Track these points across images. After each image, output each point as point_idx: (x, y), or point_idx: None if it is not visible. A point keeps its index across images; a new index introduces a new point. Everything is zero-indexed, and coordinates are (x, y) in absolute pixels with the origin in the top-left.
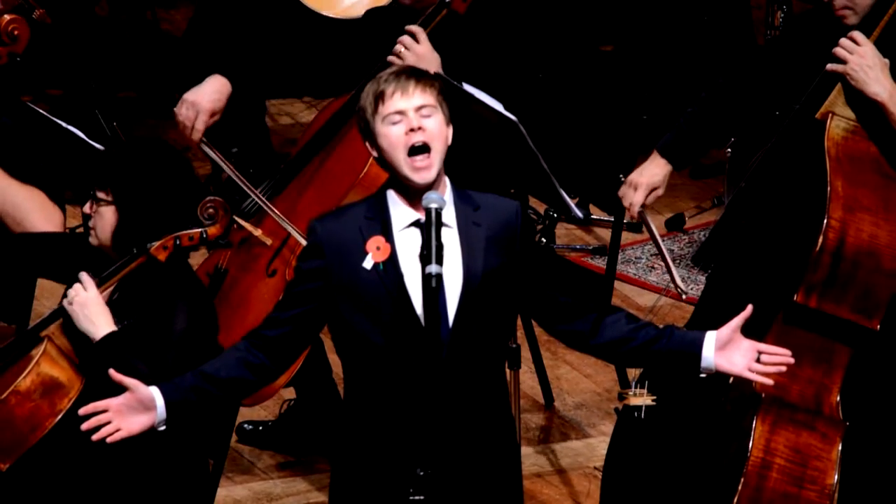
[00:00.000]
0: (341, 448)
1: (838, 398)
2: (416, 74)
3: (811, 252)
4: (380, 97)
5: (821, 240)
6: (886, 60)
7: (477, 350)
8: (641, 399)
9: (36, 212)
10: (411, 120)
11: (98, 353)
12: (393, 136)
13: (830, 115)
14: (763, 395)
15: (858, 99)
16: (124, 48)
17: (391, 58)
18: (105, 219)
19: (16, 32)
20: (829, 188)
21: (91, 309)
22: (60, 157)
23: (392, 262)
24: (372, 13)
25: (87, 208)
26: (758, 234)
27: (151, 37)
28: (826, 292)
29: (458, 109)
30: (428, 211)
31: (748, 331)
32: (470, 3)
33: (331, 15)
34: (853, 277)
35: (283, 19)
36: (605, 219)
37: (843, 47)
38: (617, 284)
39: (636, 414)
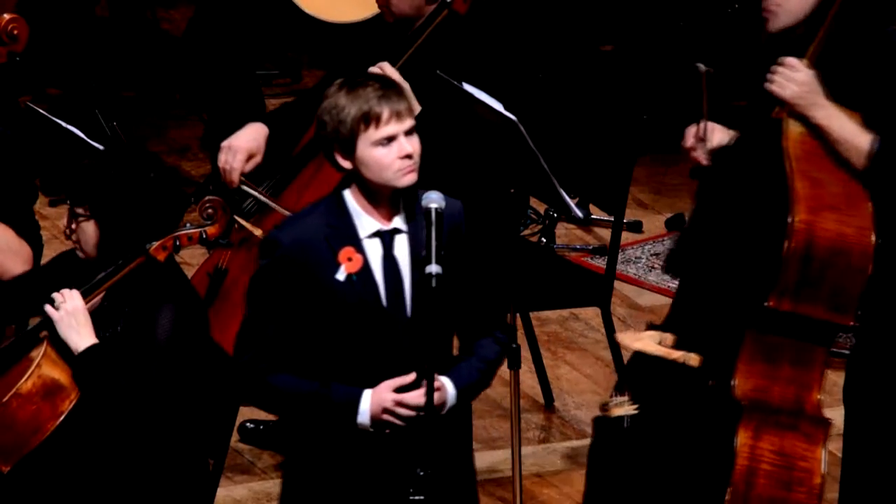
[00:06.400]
0: (307, 449)
1: (819, 396)
2: (399, 91)
3: (779, 256)
4: (373, 120)
5: (787, 244)
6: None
7: (435, 344)
8: (624, 409)
9: (4, 252)
10: (404, 146)
11: (80, 365)
12: (385, 159)
13: (786, 114)
14: (744, 402)
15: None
16: (124, 48)
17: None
18: (87, 233)
19: (15, 32)
20: (791, 191)
21: (77, 318)
22: (60, 158)
23: (366, 272)
24: (373, 20)
25: (67, 225)
26: (724, 238)
27: (151, 37)
28: (798, 295)
29: (458, 109)
30: (428, 211)
31: (722, 338)
32: (471, 4)
33: (326, 19)
34: (823, 277)
35: (280, 19)
36: (605, 219)
37: (781, 75)
38: (617, 284)
39: (624, 424)
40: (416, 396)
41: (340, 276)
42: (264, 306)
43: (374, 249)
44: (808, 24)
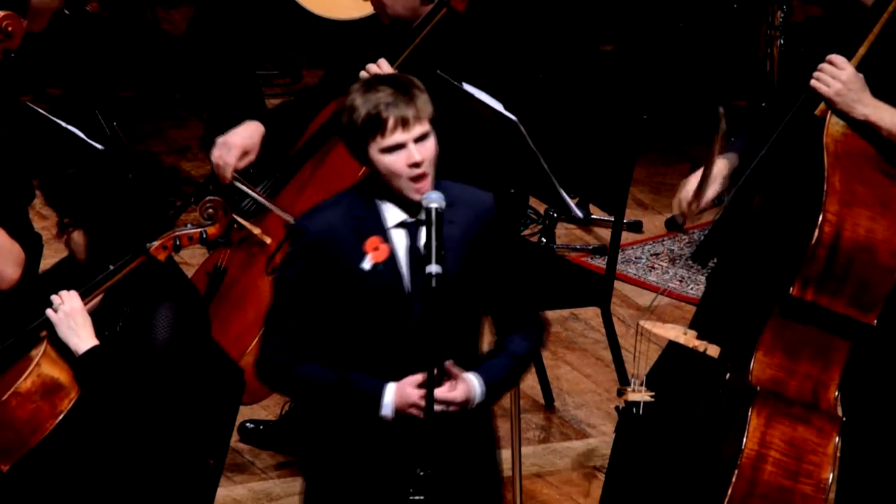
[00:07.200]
0: (327, 448)
1: (836, 393)
2: (411, 96)
3: (807, 245)
4: (380, 128)
5: (816, 233)
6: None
7: (450, 343)
8: (640, 395)
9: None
10: (412, 154)
11: (82, 367)
12: (393, 167)
13: (830, 111)
14: (759, 388)
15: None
16: (124, 48)
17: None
18: (77, 241)
19: (10, 28)
20: (826, 183)
21: (76, 319)
22: (60, 157)
23: (392, 261)
24: (373, 18)
25: (57, 236)
26: (758, 231)
27: (151, 37)
28: (822, 286)
29: (458, 109)
30: (428, 210)
31: (745, 333)
32: (469, 2)
33: (326, 16)
34: (849, 272)
35: (280, 19)
36: (605, 219)
37: (825, 72)
38: (617, 284)
39: (634, 410)
40: (443, 392)
41: (366, 265)
42: (290, 294)
43: (399, 239)
44: (860, 25)
